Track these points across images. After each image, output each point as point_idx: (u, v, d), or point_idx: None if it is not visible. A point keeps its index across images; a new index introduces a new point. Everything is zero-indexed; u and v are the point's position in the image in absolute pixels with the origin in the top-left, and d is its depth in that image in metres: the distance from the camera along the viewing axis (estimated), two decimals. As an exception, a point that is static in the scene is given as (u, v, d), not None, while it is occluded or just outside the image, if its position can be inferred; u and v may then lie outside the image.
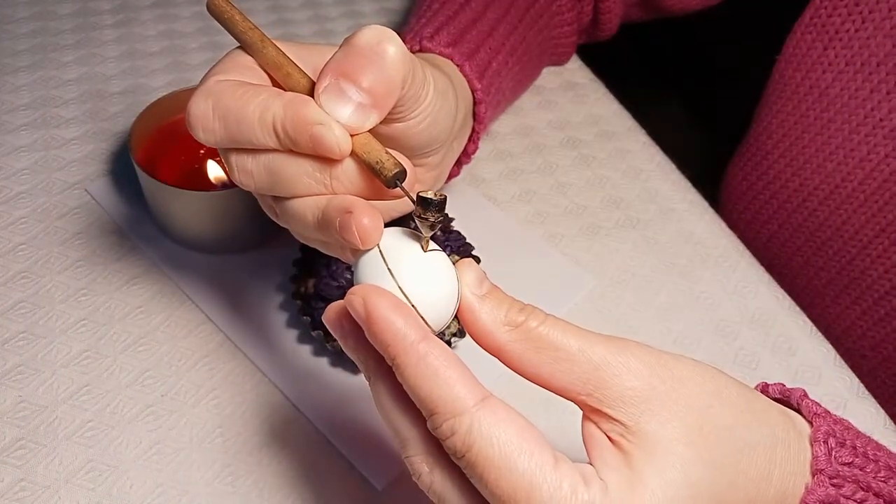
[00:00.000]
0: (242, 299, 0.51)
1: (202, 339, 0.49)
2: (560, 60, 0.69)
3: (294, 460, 0.44)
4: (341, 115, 0.30)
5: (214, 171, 0.54)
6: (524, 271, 0.55)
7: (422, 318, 0.27)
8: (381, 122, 0.32)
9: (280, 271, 0.53)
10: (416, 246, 0.29)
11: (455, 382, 0.25)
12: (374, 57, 0.30)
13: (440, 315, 0.28)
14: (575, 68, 0.72)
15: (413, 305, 0.27)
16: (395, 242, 0.29)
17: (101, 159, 0.60)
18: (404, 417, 0.27)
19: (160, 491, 0.42)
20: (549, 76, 0.71)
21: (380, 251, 0.28)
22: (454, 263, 0.30)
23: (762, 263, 0.57)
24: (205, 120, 0.32)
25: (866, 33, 0.53)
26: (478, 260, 0.50)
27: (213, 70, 0.33)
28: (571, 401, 0.27)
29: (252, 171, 0.32)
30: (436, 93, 0.35)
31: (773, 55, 0.62)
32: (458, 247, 0.49)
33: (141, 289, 0.52)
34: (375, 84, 0.30)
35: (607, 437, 0.27)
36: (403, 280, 0.27)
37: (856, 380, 0.51)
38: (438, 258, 0.28)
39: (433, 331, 0.28)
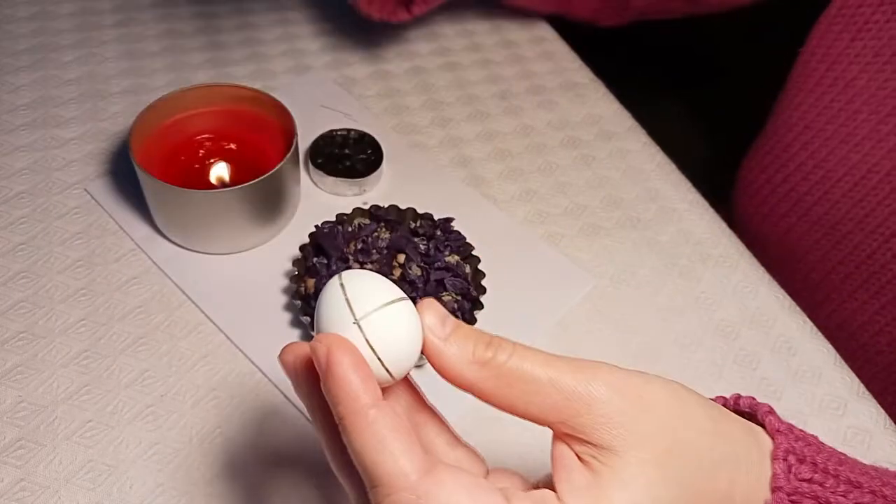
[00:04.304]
0: (242, 299, 0.51)
1: (202, 339, 0.49)
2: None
3: (294, 460, 0.44)
4: None
5: (217, 171, 0.54)
6: (524, 271, 0.55)
7: (386, 369, 0.27)
8: None
9: (280, 271, 0.53)
10: (381, 290, 0.27)
11: (400, 455, 0.24)
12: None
13: (403, 364, 0.27)
14: (575, 68, 0.72)
15: (379, 358, 0.26)
16: (359, 287, 0.27)
17: (101, 159, 0.60)
18: (351, 478, 0.27)
19: (160, 491, 0.42)
20: (549, 76, 0.71)
21: (346, 299, 0.27)
22: (420, 299, 0.28)
23: (777, 258, 0.56)
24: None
25: None
26: (478, 260, 0.50)
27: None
28: (545, 426, 0.28)
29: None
30: None
31: (773, 54, 0.61)
32: (457, 247, 0.49)
33: (141, 289, 0.52)
34: None
35: (578, 457, 0.27)
36: (370, 330, 0.26)
37: (856, 380, 0.51)
38: (403, 307, 0.27)
39: (395, 380, 0.27)
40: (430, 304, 0.28)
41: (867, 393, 0.50)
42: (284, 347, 0.28)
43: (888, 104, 0.54)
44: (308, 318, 0.47)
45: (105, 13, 0.73)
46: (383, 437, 0.25)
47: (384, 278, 0.28)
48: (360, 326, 0.26)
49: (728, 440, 0.28)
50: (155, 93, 0.65)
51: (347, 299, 0.27)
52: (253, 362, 0.48)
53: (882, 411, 0.49)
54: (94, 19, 0.72)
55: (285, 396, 0.47)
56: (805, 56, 0.59)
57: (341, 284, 0.27)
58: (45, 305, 0.50)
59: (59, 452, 0.43)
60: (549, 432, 0.28)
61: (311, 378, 0.27)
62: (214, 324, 0.50)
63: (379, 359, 0.26)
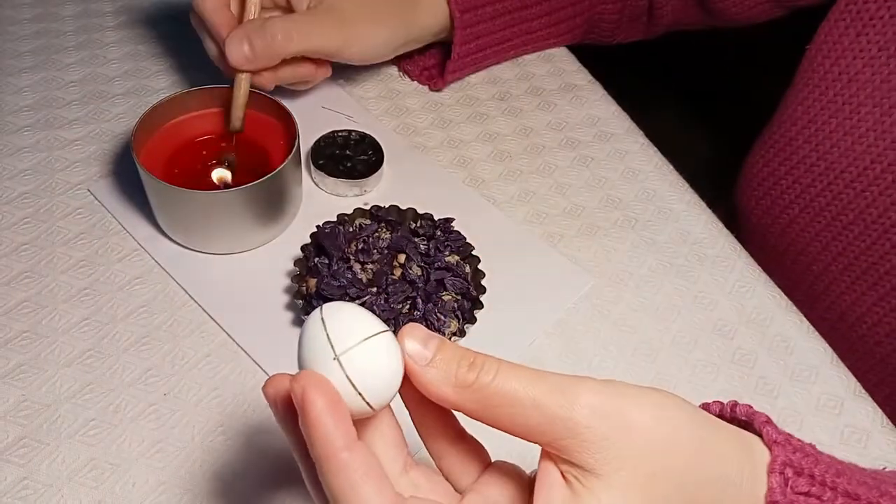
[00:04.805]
0: (244, 299, 0.52)
1: (204, 338, 0.50)
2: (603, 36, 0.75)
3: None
4: None
5: (219, 172, 0.55)
6: (523, 271, 0.55)
7: (367, 402, 0.27)
8: None
9: (282, 271, 0.53)
10: (362, 324, 0.28)
11: (372, 496, 0.25)
12: None
13: (385, 396, 0.28)
14: (574, 70, 0.73)
15: (359, 392, 0.27)
16: (340, 321, 0.28)
17: (104, 160, 0.60)
18: None
19: (162, 489, 0.43)
20: (548, 78, 0.71)
21: (326, 335, 0.27)
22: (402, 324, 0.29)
23: (778, 250, 0.56)
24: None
25: None
26: (478, 260, 0.50)
27: None
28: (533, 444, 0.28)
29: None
30: None
31: (774, 55, 0.62)
32: (458, 247, 0.50)
33: (143, 288, 0.52)
34: None
35: (563, 475, 0.27)
36: (349, 365, 0.27)
37: (853, 379, 0.51)
38: (383, 340, 0.28)
39: (376, 412, 0.28)
40: (411, 329, 0.28)
41: (864, 392, 0.50)
42: (268, 379, 0.29)
43: (892, 97, 0.54)
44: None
45: (107, 15, 0.73)
46: (355, 482, 0.25)
47: (366, 311, 0.29)
48: (339, 362, 0.27)
49: (716, 459, 0.28)
50: (158, 94, 0.65)
51: (328, 335, 0.27)
52: (255, 361, 0.48)
53: (879, 410, 0.50)
54: (97, 21, 0.73)
55: (287, 395, 0.47)
56: (812, 52, 0.60)
57: (322, 319, 0.28)
58: (48, 305, 0.50)
59: (62, 451, 0.44)
60: None
61: (291, 413, 0.28)
62: (217, 323, 0.50)
63: (359, 393, 0.27)
